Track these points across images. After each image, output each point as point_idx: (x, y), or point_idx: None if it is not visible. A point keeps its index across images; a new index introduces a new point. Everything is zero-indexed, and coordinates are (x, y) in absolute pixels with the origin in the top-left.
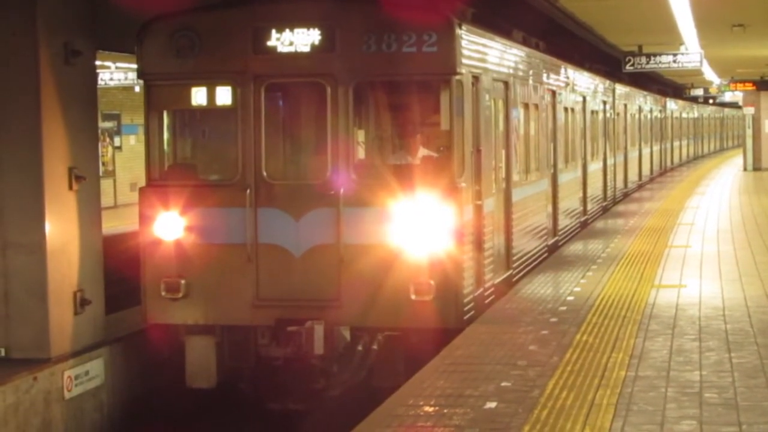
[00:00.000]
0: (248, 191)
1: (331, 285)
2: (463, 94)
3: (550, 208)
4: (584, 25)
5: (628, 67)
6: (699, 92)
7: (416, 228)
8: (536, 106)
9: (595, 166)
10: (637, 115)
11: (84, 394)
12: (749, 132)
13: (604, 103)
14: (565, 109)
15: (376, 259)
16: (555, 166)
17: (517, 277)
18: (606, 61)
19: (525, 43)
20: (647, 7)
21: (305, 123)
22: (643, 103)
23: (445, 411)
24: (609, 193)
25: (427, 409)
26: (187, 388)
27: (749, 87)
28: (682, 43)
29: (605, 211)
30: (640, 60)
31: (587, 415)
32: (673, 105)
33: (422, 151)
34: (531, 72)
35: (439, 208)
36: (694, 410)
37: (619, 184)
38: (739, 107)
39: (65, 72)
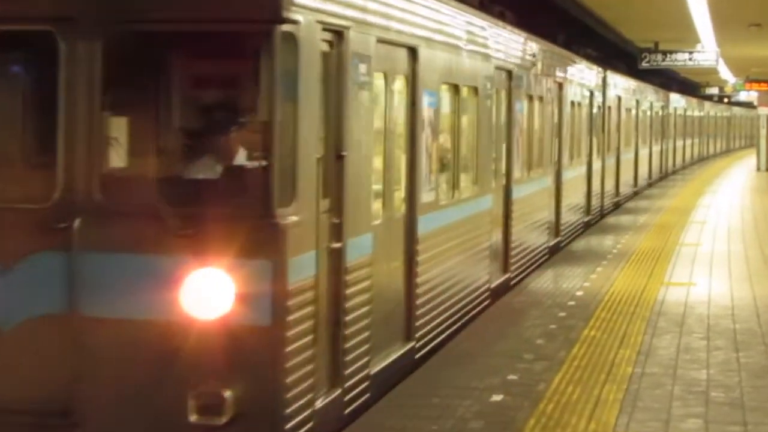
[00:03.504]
0: None
1: (58, 386)
2: (298, 59)
3: (496, 236)
4: (601, 19)
5: (644, 64)
6: (714, 91)
7: (201, 296)
8: (474, 90)
9: (573, 173)
10: (634, 111)
11: None
12: (763, 132)
13: (591, 93)
14: (530, 97)
15: (133, 347)
16: (508, 176)
17: (425, 350)
18: (622, 57)
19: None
20: (664, 4)
21: (22, 104)
22: (641, 96)
23: (450, 402)
24: (594, 203)
25: (434, 400)
26: None
27: (765, 87)
28: (698, 41)
29: (588, 227)
30: (656, 57)
31: (593, 410)
32: (677, 100)
33: (240, 159)
34: (465, 39)
35: (241, 262)
36: (700, 409)
37: (609, 193)
38: (753, 107)
39: None
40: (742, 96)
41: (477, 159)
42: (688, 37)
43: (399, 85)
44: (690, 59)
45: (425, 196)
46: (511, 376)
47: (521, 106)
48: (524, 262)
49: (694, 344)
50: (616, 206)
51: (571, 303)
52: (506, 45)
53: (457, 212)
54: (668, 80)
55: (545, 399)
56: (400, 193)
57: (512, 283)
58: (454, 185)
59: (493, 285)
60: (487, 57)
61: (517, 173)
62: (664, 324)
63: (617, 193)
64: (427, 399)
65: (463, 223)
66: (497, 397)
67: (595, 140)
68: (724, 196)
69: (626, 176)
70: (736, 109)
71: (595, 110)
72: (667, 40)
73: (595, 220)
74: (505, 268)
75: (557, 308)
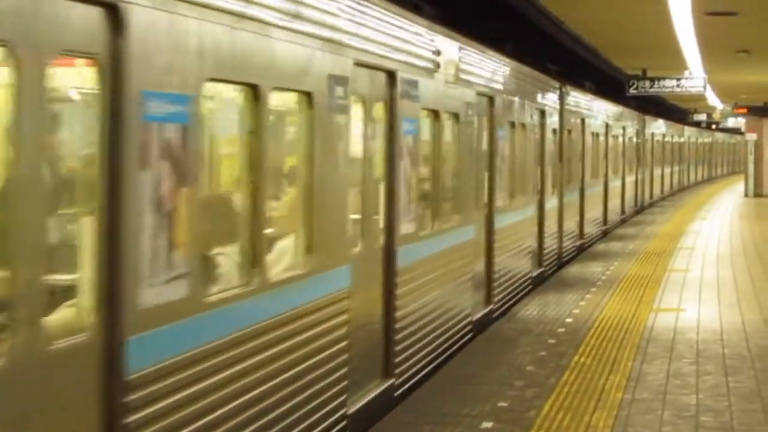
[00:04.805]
0: None
1: None
2: None
3: (371, 326)
4: (589, 47)
5: (632, 91)
6: (702, 117)
7: None
8: (307, 97)
9: (515, 216)
10: (602, 136)
11: None
12: (751, 158)
13: (542, 113)
14: (434, 114)
15: None
16: (390, 233)
17: None
18: (610, 84)
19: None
20: (652, 31)
21: None
22: (611, 119)
23: (441, 430)
24: (548, 252)
25: (425, 428)
26: None
27: (743, 111)
28: (686, 68)
29: (540, 281)
30: (644, 84)
31: None
32: (655, 125)
33: None
34: (276, 7)
35: None
36: None
37: (569, 236)
38: (741, 133)
39: None
40: (731, 122)
41: (312, 214)
42: (676, 64)
43: (69, 80)
44: (678, 86)
45: (169, 291)
46: (502, 403)
47: (413, 126)
48: (425, 355)
49: (683, 369)
50: (581, 250)
51: (561, 330)
52: (381, 30)
53: (267, 306)
54: (654, 105)
55: (535, 426)
56: (86, 297)
57: (399, 392)
58: (254, 260)
59: (350, 411)
60: (337, 46)
61: (408, 227)
62: (654, 350)
63: (581, 234)
64: (418, 427)
65: (283, 322)
66: (487, 425)
67: (549, 172)
68: (712, 222)
69: (593, 213)
70: (719, 135)
71: (549, 135)
72: (654, 67)
73: (549, 271)
74: (387, 372)
75: (547, 335)
